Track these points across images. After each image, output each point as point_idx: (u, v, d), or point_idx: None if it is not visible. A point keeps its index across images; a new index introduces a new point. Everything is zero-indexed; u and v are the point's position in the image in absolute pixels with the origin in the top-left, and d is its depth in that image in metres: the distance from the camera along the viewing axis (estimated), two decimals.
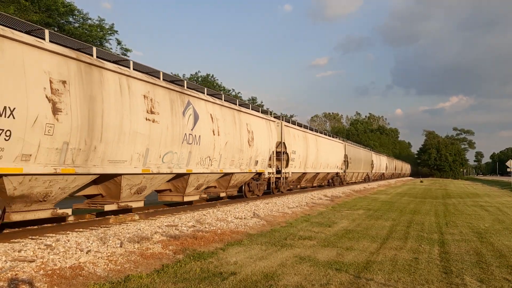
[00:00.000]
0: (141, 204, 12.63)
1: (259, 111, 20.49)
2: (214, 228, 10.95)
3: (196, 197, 15.77)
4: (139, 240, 8.77)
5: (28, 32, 9.00)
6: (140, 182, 11.96)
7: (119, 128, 10.59)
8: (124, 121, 10.74)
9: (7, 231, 9.65)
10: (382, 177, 66.41)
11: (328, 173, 33.33)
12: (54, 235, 9.10)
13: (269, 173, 21.10)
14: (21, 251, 7.19)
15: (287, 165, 23.22)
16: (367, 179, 51.72)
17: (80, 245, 7.84)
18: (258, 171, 19.54)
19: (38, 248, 7.42)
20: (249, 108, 19.17)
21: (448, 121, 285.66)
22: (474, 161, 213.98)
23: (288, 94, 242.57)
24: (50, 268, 6.43)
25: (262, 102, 70.82)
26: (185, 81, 14.43)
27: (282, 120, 22.94)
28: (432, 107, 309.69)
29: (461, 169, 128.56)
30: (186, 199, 14.89)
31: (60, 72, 9.03)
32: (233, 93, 58.12)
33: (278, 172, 22.37)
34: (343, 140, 40.27)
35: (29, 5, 25.87)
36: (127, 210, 13.18)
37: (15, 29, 8.50)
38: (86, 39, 28.06)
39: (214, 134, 15.19)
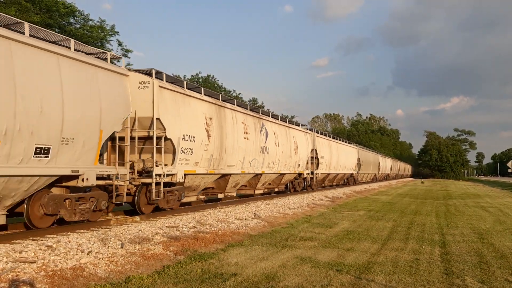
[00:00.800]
0: (234, 193, 19.10)
1: (299, 126, 27.05)
2: (215, 229, 10.95)
3: (261, 191, 21.68)
4: (140, 241, 8.77)
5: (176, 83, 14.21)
6: (238, 179, 18.14)
7: (231, 144, 16.49)
8: (234, 140, 16.71)
9: (9, 232, 9.66)
10: (387, 177, 71.94)
11: (345, 174, 39.70)
12: (55, 236, 9.10)
13: (306, 173, 26.97)
14: (22, 252, 7.20)
15: (317, 168, 29.24)
16: (374, 179, 57.12)
17: (81, 246, 7.84)
18: (299, 172, 25.47)
19: (39, 249, 7.43)
20: (294, 124, 25.62)
21: (449, 122, 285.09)
22: (475, 162, 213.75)
23: (289, 94, 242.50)
24: (51, 269, 6.43)
25: (262, 103, 70.93)
26: (260, 109, 21.79)
27: (314, 132, 29.61)
28: (433, 107, 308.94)
29: (462, 170, 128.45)
30: (256, 192, 20.94)
31: (209, 112, 15.03)
32: (234, 94, 58.16)
33: (311, 173, 28.19)
34: (356, 145, 46.91)
35: (30, 6, 25.92)
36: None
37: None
38: (87, 40, 28.10)
39: (275, 146, 21.25)
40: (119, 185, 11.42)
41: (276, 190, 23.99)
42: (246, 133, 17.81)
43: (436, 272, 7.41)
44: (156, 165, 12.41)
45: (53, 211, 9.60)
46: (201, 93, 14.91)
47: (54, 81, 9.08)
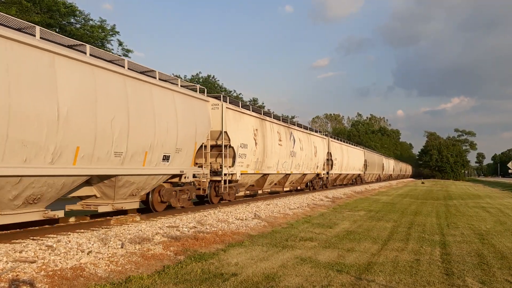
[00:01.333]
0: (268, 190, 23.88)
1: (317, 132, 32.57)
2: (215, 229, 10.95)
3: (288, 188, 26.13)
4: (140, 241, 8.77)
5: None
6: (273, 178, 22.45)
7: (270, 149, 20.69)
8: (272, 146, 20.96)
9: (9, 231, 9.66)
10: (389, 177, 74.88)
11: (353, 174, 43.81)
12: (55, 236, 9.10)
13: (323, 174, 31.53)
14: (22, 251, 7.19)
15: (331, 168, 33.47)
16: (379, 179, 61.27)
17: (81, 246, 7.84)
18: (317, 173, 29.88)
19: (39, 249, 7.42)
20: (313, 131, 30.43)
21: (450, 122, 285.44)
22: (476, 162, 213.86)
23: (289, 95, 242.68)
24: (51, 269, 6.43)
25: (263, 103, 70.90)
26: (289, 119, 26.42)
27: (329, 137, 34.18)
28: (434, 108, 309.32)
29: (463, 171, 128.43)
30: (284, 189, 25.51)
31: (255, 125, 19.28)
32: (234, 94, 58.14)
33: (326, 173, 32.79)
34: (362, 148, 51.59)
35: (31, 6, 25.93)
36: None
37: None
38: (87, 40, 28.10)
39: (300, 150, 25.49)
40: (202, 181, 15.49)
41: (298, 187, 28.50)
42: (280, 140, 22.35)
43: (437, 273, 7.40)
44: (220, 167, 16.39)
45: (167, 199, 13.76)
46: (250, 110, 19.42)
47: (172, 110, 13.11)
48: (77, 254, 7.32)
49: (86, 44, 10.28)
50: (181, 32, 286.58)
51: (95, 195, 11.46)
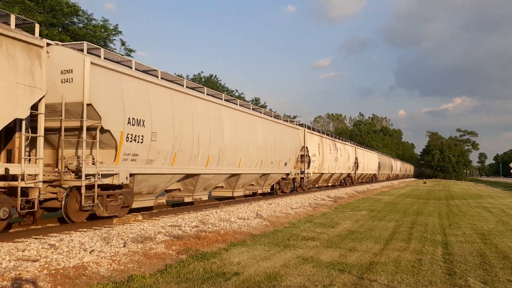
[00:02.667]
0: (320, 185, 33.84)
1: (347, 141, 42.61)
2: (217, 228, 10.96)
3: (331, 184, 36.62)
4: (142, 240, 8.78)
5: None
6: (325, 177, 32.69)
7: (325, 157, 31.14)
8: (326, 154, 31.27)
9: (12, 230, 9.69)
10: (396, 177, 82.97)
11: (370, 174, 52.90)
12: (57, 234, 9.12)
13: (352, 173, 41.69)
14: (25, 250, 7.22)
15: (357, 169, 43.67)
16: (388, 178, 70.95)
17: (83, 245, 7.86)
18: (349, 173, 40.10)
19: (41, 248, 7.45)
20: (347, 142, 41.78)
21: (452, 122, 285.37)
22: (478, 162, 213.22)
23: (292, 95, 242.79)
24: (54, 267, 6.45)
25: (265, 102, 70.87)
26: (332, 133, 41.22)
27: (355, 145, 45.72)
28: (435, 108, 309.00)
29: (465, 171, 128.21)
30: (329, 184, 36.02)
31: (318, 141, 29.90)
32: (236, 94, 58.14)
33: (354, 173, 42.68)
34: (376, 152, 62.66)
35: (34, 5, 25.97)
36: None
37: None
38: (90, 39, 28.13)
39: (340, 156, 36.06)
40: (296, 177, 25.25)
41: (336, 184, 38.69)
42: (330, 150, 32.88)
43: (439, 273, 7.40)
44: (302, 169, 25.83)
45: (286, 190, 24.25)
46: (315, 131, 30.59)
47: (287, 137, 23.61)
48: (79, 253, 7.34)
49: (222, 94, 17.27)
50: (183, 32, 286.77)
51: (222, 186, 18.39)
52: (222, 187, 18.46)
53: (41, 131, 9.11)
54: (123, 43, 33.82)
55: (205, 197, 16.64)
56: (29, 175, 8.85)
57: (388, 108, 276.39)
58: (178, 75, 27.69)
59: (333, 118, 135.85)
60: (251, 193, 21.75)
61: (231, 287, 6.21)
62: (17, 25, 9.04)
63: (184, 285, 6.22)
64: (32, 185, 8.93)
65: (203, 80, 55.30)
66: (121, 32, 33.12)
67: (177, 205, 16.47)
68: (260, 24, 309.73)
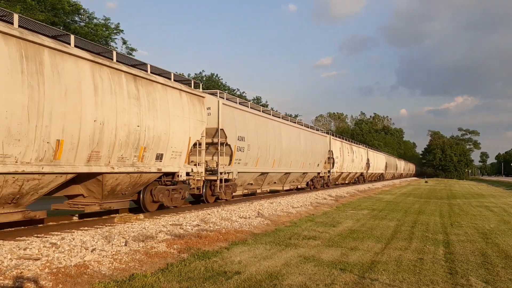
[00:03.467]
0: (341, 182, 39.83)
1: (360, 144, 49.34)
2: (219, 227, 10.96)
3: (347, 181, 41.29)
4: (143, 239, 8.79)
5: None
6: (348, 174, 40.19)
7: (344, 158, 36.91)
8: (344, 156, 36.93)
9: (13, 229, 9.70)
10: (400, 176, 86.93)
11: (378, 173, 57.48)
12: (59, 233, 9.13)
13: (365, 172, 47.11)
14: (27, 249, 7.22)
15: (368, 169, 48.87)
16: (393, 177, 75.96)
17: (85, 244, 7.86)
18: (361, 172, 45.43)
19: (43, 247, 7.45)
20: (359, 144, 47.08)
21: (453, 121, 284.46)
22: (479, 161, 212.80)
23: (293, 94, 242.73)
24: (55, 266, 6.45)
25: (267, 101, 70.93)
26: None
27: (367, 148, 51.05)
28: (437, 107, 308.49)
29: (466, 170, 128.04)
30: (346, 182, 40.77)
31: (340, 145, 36.03)
32: (238, 93, 58.14)
33: (366, 172, 48.21)
34: (384, 153, 68.65)
35: (35, 4, 25.98)
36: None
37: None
38: (91, 38, 28.15)
39: (356, 158, 41.11)
40: (322, 176, 29.44)
41: (352, 181, 43.69)
42: (348, 153, 37.86)
43: (440, 272, 7.39)
44: (328, 169, 31.21)
45: (317, 186, 29.86)
46: (337, 137, 37.14)
47: (319, 142, 29.28)
48: (81, 252, 7.34)
49: (280, 114, 22.42)
50: (184, 31, 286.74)
51: (275, 182, 23.08)
52: (275, 182, 23.73)
53: (202, 147, 14.86)
54: (124, 42, 33.88)
55: (267, 190, 23.01)
56: (198, 173, 14.57)
57: (390, 107, 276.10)
58: (180, 74, 27.77)
59: (335, 117, 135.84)
60: (294, 188, 27.00)
61: (233, 286, 6.21)
62: (152, 72, 12.63)
63: (185, 284, 6.21)
64: (199, 178, 14.65)
65: (204, 79, 55.28)
66: (122, 31, 33.20)
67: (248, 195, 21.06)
68: (261, 23, 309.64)
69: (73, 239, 8.10)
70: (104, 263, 6.93)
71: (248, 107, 19.18)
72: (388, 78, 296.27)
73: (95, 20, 31.65)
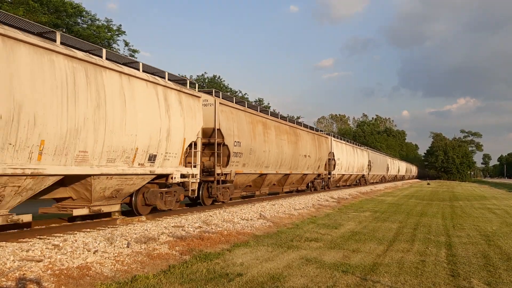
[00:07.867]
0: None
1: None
2: (221, 229, 10.96)
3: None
4: (146, 240, 8.80)
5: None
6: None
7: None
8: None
9: (16, 230, 9.73)
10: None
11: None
12: (61, 235, 9.16)
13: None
14: (29, 250, 7.24)
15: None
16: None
17: (87, 245, 7.88)
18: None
19: (45, 248, 7.47)
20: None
21: (455, 123, 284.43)
22: (482, 163, 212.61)
23: (295, 95, 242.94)
24: (58, 268, 6.47)
25: (269, 103, 70.93)
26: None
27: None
28: (439, 109, 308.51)
29: (468, 172, 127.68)
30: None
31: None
32: (240, 94, 58.16)
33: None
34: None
35: (38, 6, 26.07)
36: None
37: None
38: (94, 40, 28.23)
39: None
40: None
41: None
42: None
43: (442, 274, 7.38)
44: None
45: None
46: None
47: (360, 152, 42.98)
48: (83, 253, 7.36)
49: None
50: (186, 32, 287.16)
51: (274, 184, 23.39)
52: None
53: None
54: (126, 44, 33.93)
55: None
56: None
57: (392, 108, 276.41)
58: (182, 76, 27.89)
59: (337, 118, 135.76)
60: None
61: None
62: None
63: (187, 286, 6.22)
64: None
65: (206, 80, 55.35)
66: (124, 32, 33.25)
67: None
68: (262, 24, 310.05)
69: (76, 241, 8.12)
70: (106, 265, 6.95)
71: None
72: (390, 80, 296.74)
73: (97, 22, 31.73)
